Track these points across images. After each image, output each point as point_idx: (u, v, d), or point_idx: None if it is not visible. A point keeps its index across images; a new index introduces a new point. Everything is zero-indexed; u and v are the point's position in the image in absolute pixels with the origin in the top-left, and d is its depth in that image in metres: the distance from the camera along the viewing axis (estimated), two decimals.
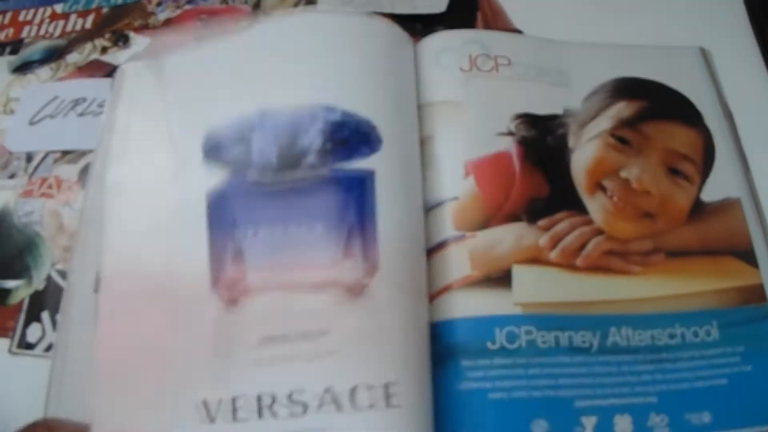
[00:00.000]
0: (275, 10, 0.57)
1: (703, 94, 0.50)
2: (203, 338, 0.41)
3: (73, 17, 0.62)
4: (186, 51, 0.50)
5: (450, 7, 0.56)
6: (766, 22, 0.54)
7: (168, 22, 0.59)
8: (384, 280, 0.40)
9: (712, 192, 0.46)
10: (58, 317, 0.47)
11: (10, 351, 0.47)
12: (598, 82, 0.50)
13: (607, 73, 0.50)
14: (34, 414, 0.42)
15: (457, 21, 0.55)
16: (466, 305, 0.41)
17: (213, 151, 0.45)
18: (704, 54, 0.52)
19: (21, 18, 0.63)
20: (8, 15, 0.63)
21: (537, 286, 0.42)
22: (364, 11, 0.52)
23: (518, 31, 0.54)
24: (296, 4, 0.57)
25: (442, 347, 0.40)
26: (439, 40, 0.50)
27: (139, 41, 0.58)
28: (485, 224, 0.43)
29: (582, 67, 0.51)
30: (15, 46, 0.61)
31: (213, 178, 0.44)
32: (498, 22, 0.55)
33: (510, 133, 0.47)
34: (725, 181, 0.47)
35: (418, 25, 0.54)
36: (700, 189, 0.46)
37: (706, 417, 0.39)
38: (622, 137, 0.47)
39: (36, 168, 0.53)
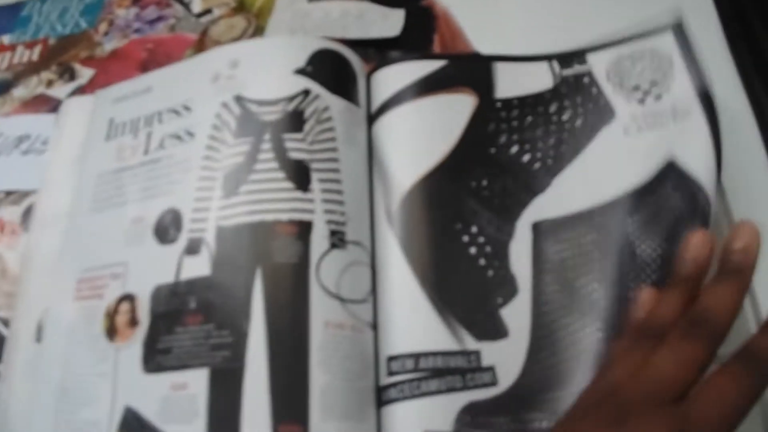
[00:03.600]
0: (222, 38, 0.57)
1: None
2: None
3: (20, 48, 0.62)
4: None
5: (405, 30, 0.55)
6: (742, 43, 0.53)
7: (115, 53, 0.59)
8: None
9: None
10: (1, 367, 0.47)
11: None
12: None
13: None
14: None
15: (413, 44, 0.54)
16: None
17: None
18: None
19: None
20: None
21: None
22: (315, 36, 0.51)
23: (477, 52, 0.54)
24: (243, 32, 0.57)
25: None
26: None
27: (84, 73, 0.58)
28: None
29: None
30: None
31: None
32: (456, 44, 0.54)
33: None
34: None
35: (371, 50, 0.53)
36: None
37: None
38: None
39: None
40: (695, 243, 0.36)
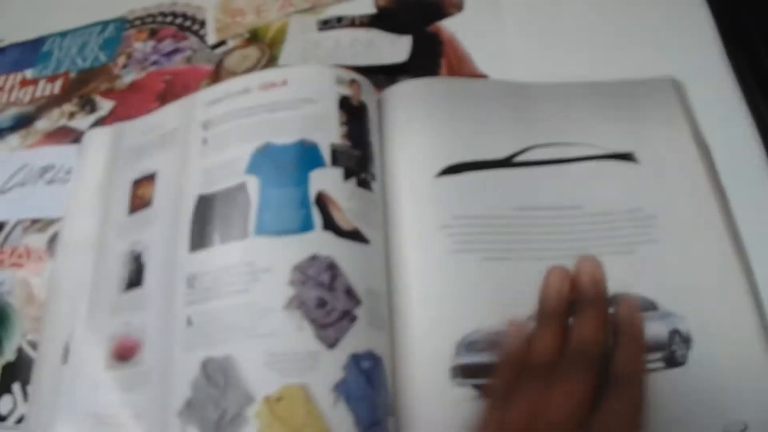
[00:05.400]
0: (237, 68, 0.60)
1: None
2: None
3: (42, 82, 0.66)
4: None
5: (413, 56, 0.58)
6: (741, 54, 0.55)
7: (133, 85, 0.63)
8: None
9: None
10: (29, 389, 0.50)
11: None
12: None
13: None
14: None
15: (421, 69, 0.57)
16: None
17: None
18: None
19: None
20: None
21: None
22: (326, 64, 0.54)
23: (484, 76, 0.56)
24: (257, 62, 0.60)
25: None
26: None
27: (104, 105, 0.61)
28: None
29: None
30: None
31: None
32: (463, 69, 0.57)
33: None
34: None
35: (380, 76, 0.56)
36: None
37: None
38: None
39: (6, 237, 0.57)
40: (556, 278, 0.40)
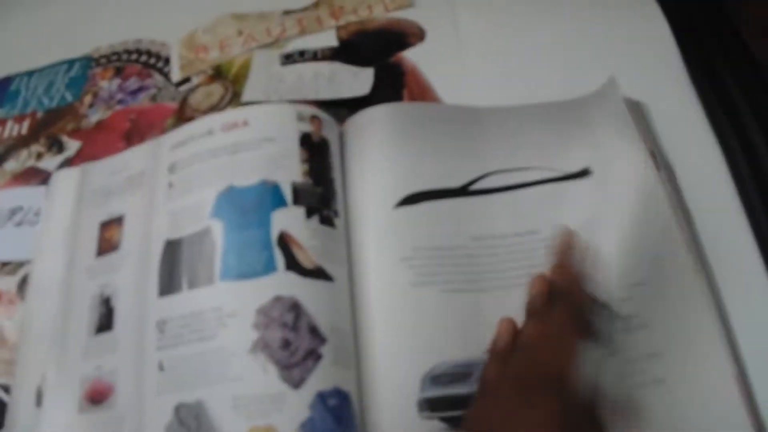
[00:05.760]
0: (201, 105, 0.61)
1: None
2: None
3: (9, 123, 0.66)
4: None
5: (375, 87, 0.59)
6: (703, 75, 0.57)
7: (100, 124, 0.64)
8: None
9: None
10: None
11: None
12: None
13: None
14: None
15: (383, 101, 0.58)
16: None
17: None
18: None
19: None
20: None
21: None
22: (287, 102, 0.55)
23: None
24: (221, 99, 0.61)
25: None
26: None
27: (71, 145, 0.62)
28: None
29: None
30: None
31: None
32: (425, 98, 0.58)
33: None
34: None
35: (343, 110, 0.57)
36: None
37: None
38: None
39: None
40: (538, 281, 0.43)
